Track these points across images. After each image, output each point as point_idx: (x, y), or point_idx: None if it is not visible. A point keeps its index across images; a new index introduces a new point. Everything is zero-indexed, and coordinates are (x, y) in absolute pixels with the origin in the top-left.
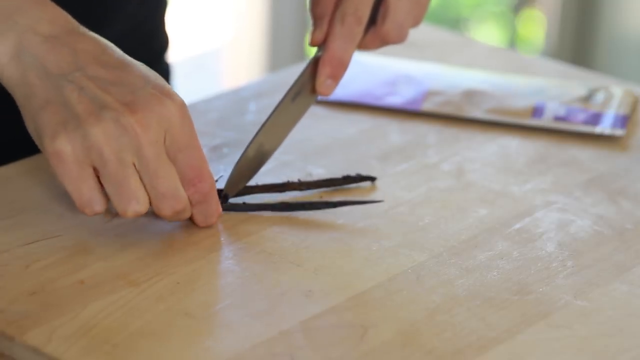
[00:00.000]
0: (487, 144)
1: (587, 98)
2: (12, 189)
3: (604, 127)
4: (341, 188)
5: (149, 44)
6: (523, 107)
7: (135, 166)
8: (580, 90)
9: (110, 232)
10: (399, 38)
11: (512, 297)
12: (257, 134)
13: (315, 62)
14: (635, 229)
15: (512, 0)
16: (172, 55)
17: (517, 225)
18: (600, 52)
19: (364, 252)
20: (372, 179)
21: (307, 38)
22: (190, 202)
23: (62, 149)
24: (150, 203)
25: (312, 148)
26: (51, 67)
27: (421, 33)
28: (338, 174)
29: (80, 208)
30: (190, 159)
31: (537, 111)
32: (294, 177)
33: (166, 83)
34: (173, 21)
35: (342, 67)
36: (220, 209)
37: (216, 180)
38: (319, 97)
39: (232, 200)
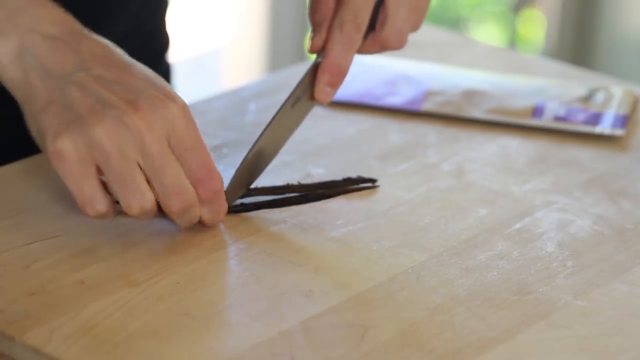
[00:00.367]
0: (487, 144)
1: (587, 98)
2: (12, 189)
3: (604, 127)
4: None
5: (150, 44)
6: (523, 107)
7: (140, 166)
8: (580, 90)
9: (110, 232)
10: (398, 44)
11: (512, 297)
12: (257, 140)
13: (315, 68)
14: (635, 229)
15: (512, 0)
16: (173, 56)
17: (517, 225)
18: (600, 52)
19: (364, 252)
20: (373, 181)
21: (307, 39)
22: (200, 201)
23: (64, 147)
24: (159, 205)
25: (312, 148)
26: (53, 68)
27: (421, 33)
28: (338, 174)
29: (82, 207)
30: (197, 158)
31: (537, 111)
32: (294, 177)
33: (168, 85)
34: (173, 21)
35: (340, 74)
36: (227, 206)
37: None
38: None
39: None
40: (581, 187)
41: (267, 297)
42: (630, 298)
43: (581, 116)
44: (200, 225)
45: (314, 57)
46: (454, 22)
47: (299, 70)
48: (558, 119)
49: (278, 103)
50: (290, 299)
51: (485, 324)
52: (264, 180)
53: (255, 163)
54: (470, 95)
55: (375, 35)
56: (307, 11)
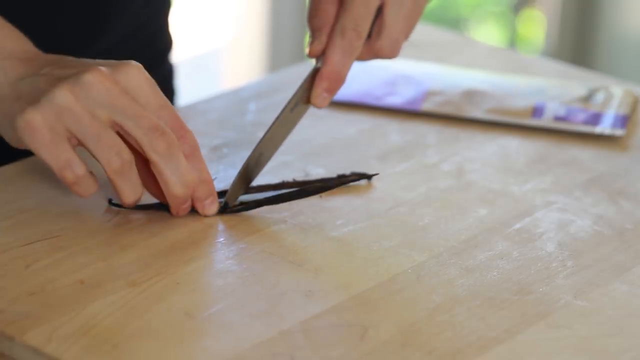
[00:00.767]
0: (487, 144)
1: (587, 98)
2: (12, 189)
3: (604, 127)
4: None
5: (153, 45)
6: (523, 107)
7: (111, 123)
8: (580, 90)
9: (110, 232)
10: (393, 54)
11: (512, 297)
12: (259, 142)
13: (314, 74)
14: (635, 229)
15: (512, 0)
16: (173, 56)
17: (517, 225)
18: (600, 52)
19: (364, 252)
20: (367, 176)
21: (307, 40)
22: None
23: (32, 118)
24: (142, 157)
25: (311, 148)
26: (22, 74)
27: (421, 33)
28: (337, 174)
29: (59, 173)
30: (168, 117)
31: (537, 111)
32: (291, 178)
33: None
34: (173, 22)
35: (339, 81)
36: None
37: (214, 179)
38: None
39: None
40: (581, 187)
41: (267, 297)
42: (630, 298)
43: (581, 116)
44: (197, 215)
45: (313, 67)
46: (454, 22)
47: (299, 70)
48: (558, 119)
49: (278, 103)
50: (290, 299)
51: (485, 324)
52: (263, 180)
53: (255, 165)
54: (470, 95)
55: (371, 44)
56: (306, 16)
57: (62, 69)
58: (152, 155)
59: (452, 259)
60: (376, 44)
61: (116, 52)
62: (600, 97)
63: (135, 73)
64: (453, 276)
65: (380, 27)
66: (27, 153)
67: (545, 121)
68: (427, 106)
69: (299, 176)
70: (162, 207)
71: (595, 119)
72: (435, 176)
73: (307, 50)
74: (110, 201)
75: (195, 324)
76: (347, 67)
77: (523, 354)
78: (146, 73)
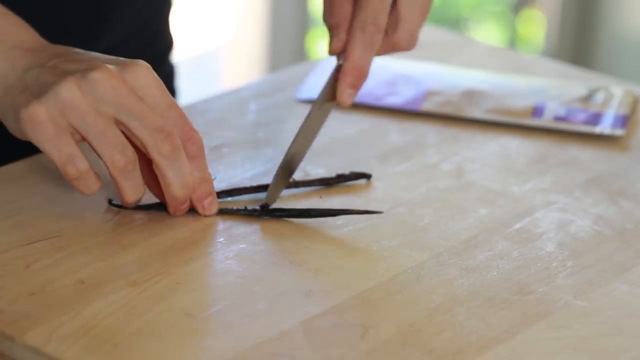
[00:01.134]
0: (487, 144)
1: (587, 98)
2: (12, 189)
3: (604, 127)
4: (339, 186)
5: (153, 44)
6: (523, 107)
7: (116, 121)
8: (580, 90)
9: (110, 232)
10: (410, 45)
11: (512, 297)
12: (291, 145)
13: (337, 71)
14: (635, 229)
15: (512, 0)
16: (174, 56)
17: (517, 225)
18: (600, 52)
19: (364, 252)
20: (366, 176)
21: (307, 38)
22: (188, 157)
23: (36, 111)
24: (147, 156)
25: (312, 148)
26: (29, 65)
27: (421, 33)
28: (336, 174)
29: (62, 168)
30: (176, 117)
31: (537, 111)
32: (293, 177)
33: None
34: (173, 21)
35: (362, 76)
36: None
37: (214, 179)
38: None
39: (230, 205)
40: (581, 187)
41: (267, 297)
42: (630, 298)
43: (581, 116)
44: (197, 214)
45: (315, 57)
46: (454, 22)
47: (299, 70)
48: (558, 119)
49: (278, 103)
50: (290, 299)
51: (485, 324)
52: (264, 180)
53: (290, 164)
54: (470, 95)
55: (387, 38)
56: (322, 15)
57: (69, 63)
58: (156, 157)
59: (452, 259)
60: (393, 37)
61: (117, 51)
62: (600, 97)
63: (143, 72)
64: (453, 276)
65: (396, 20)
66: (27, 153)
67: (545, 121)
68: (427, 106)
69: (299, 176)
70: (162, 207)
71: (595, 119)
72: (435, 176)
73: (327, 48)
74: (110, 201)
75: (195, 324)
76: (369, 62)
77: (523, 354)
78: (154, 73)
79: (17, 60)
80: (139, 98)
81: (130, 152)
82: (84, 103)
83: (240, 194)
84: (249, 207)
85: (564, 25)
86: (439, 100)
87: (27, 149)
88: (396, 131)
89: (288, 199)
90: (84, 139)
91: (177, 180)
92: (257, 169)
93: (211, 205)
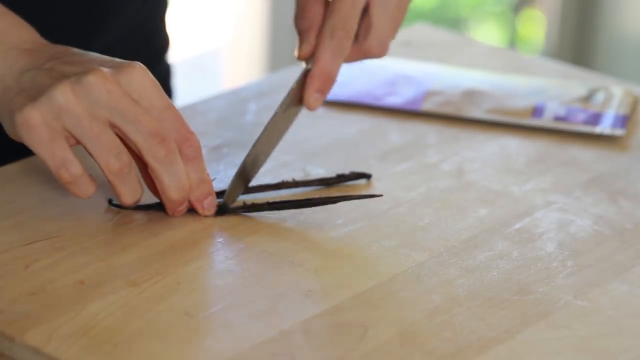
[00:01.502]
0: (487, 144)
1: (587, 98)
2: (12, 189)
3: (604, 127)
4: (339, 187)
5: (149, 45)
6: (523, 107)
7: (111, 125)
8: (580, 90)
9: (110, 232)
10: (381, 53)
11: (512, 297)
12: (254, 144)
13: (304, 75)
14: (635, 229)
15: (512, 0)
16: (172, 56)
17: (517, 225)
18: (600, 52)
19: (364, 252)
20: (366, 176)
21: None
22: (184, 159)
23: (30, 115)
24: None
25: (312, 148)
26: (26, 66)
27: (421, 33)
28: (336, 174)
29: (55, 172)
30: (173, 119)
31: (537, 111)
32: (291, 178)
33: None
34: (173, 21)
35: (330, 81)
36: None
37: (213, 179)
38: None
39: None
40: (581, 187)
41: (267, 297)
42: (630, 298)
43: (581, 116)
44: (196, 215)
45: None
46: (454, 22)
47: (299, 71)
48: (558, 119)
49: (278, 103)
50: (290, 299)
51: (485, 324)
52: (263, 180)
53: (251, 166)
54: (470, 95)
55: (358, 44)
56: (293, 19)
57: (66, 65)
58: (151, 161)
59: (452, 259)
60: (364, 44)
61: (113, 51)
62: (600, 97)
63: (139, 75)
64: (453, 276)
65: (367, 27)
66: (27, 153)
67: (545, 121)
68: (427, 106)
69: (299, 176)
70: (162, 207)
71: (595, 119)
72: (435, 176)
73: (295, 52)
74: (110, 201)
75: (195, 324)
76: (337, 67)
77: (523, 354)
78: (150, 74)
79: (15, 61)
80: (133, 101)
81: (125, 155)
82: (79, 107)
83: (241, 194)
84: (248, 204)
85: (564, 25)
86: (439, 100)
87: (27, 149)
88: (396, 131)
89: (288, 199)
90: (78, 142)
91: (172, 183)
92: None
93: (211, 205)
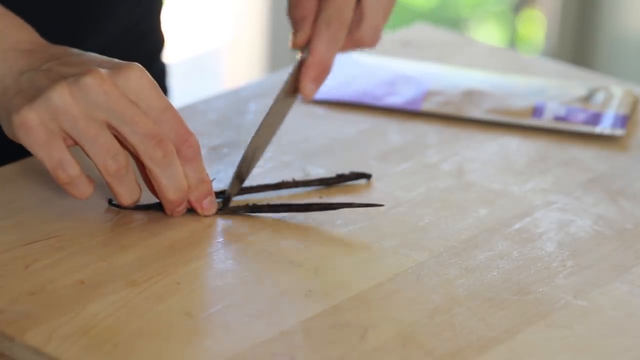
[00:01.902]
0: (487, 144)
1: (587, 98)
2: (12, 189)
3: (604, 127)
4: (339, 187)
5: (144, 44)
6: (523, 107)
7: (108, 126)
8: (580, 90)
9: (110, 232)
10: (374, 42)
11: (512, 297)
12: (253, 137)
13: (299, 65)
14: (635, 229)
15: (512, 0)
16: (172, 56)
17: (517, 225)
18: (600, 52)
19: (364, 252)
20: (366, 176)
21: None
22: (183, 160)
23: (27, 116)
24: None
25: (312, 148)
26: (25, 67)
27: (421, 33)
28: (336, 174)
29: (53, 172)
30: (172, 120)
31: (537, 111)
32: (290, 178)
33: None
34: (173, 21)
35: (326, 70)
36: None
37: (212, 180)
38: (315, 98)
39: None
40: (581, 187)
41: (267, 297)
42: (630, 298)
43: (581, 116)
44: (196, 215)
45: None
46: (454, 22)
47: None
48: (558, 119)
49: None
50: (290, 299)
51: (485, 324)
52: (263, 180)
53: (250, 159)
54: (470, 95)
55: (351, 34)
56: (286, 8)
57: (63, 66)
58: (148, 163)
59: (452, 259)
60: (357, 33)
61: (107, 51)
62: (600, 97)
63: (137, 76)
64: (453, 276)
65: (360, 17)
66: (27, 153)
67: (545, 121)
68: (427, 106)
69: (299, 176)
70: (162, 207)
71: (595, 119)
72: (435, 176)
73: (290, 42)
74: (110, 201)
75: (195, 324)
76: (332, 57)
77: (523, 354)
78: (148, 75)
79: (14, 62)
80: (131, 103)
81: (123, 156)
82: (76, 108)
83: (241, 194)
84: (250, 205)
85: (564, 25)
86: (439, 100)
87: (27, 150)
88: (396, 131)
89: (288, 199)
90: (76, 143)
91: (170, 184)
92: (257, 169)
93: (210, 205)
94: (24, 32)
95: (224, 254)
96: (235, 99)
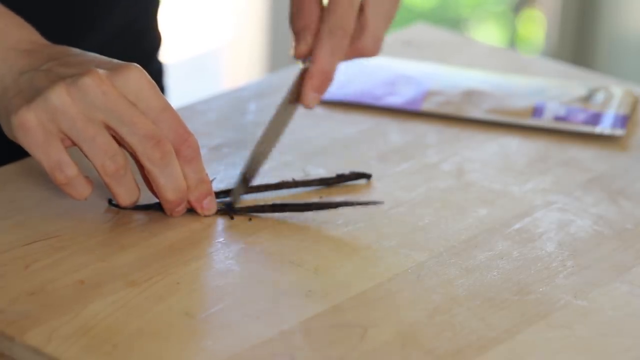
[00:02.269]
0: (487, 144)
1: (587, 98)
2: (12, 189)
3: (604, 127)
4: (339, 187)
5: (141, 43)
6: (523, 107)
7: (106, 127)
8: (580, 90)
9: (110, 232)
10: (375, 51)
11: (512, 297)
12: (257, 143)
13: (302, 74)
14: (635, 229)
15: (512, 0)
16: (172, 56)
17: (517, 225)
18: (600, 52)
19: (364, 252)
20: (366, 176)
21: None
22: (182, 160)
23: (26, 116)
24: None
25: (312, 148)
26: (25, 67)
27: (421, 33)
28: (336, 174)
29: (50, 173)
30: (171, 120)
31: (537, 111)
32: (290, 178)
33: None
34: (173, 21)
35: (328, 80)
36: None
37: (212, 180)
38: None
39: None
40: (581, 187)
41: (267, 297)
42: (630, 298)
43: (581, 116)
44: (196, 215)
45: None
46: (454, 22)
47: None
48: (558, 119)
49: (278, 103)
50: (290, 299)
51: (485, 324)
52: (263, 180)
53: (254, 164)
54: (470, 95)
55: (353, 43)
56: (289, 18)
57: (62, 67)
58: (146, 164)
59: (452, 259)
60: (358, 43)
61: (104, 50)
62: (600, 97)
63: (135, 76)
64: (453, 276)
65: (362, 26)
66: (27, 153)
67: (545, 121)
68: (427, 106)
69: (299, 176)
70: (162, 207)
71: (595, 119)
72: (435, 176)
73: (292, 51)
74: (110, 201)
75: (195, 324)
76: (335, 66)
77: (523, 354)
78: (147, 76)
79: (15, 61)
80: (129, 103)
81: (121, 157)
82: (74, 109)
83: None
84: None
85: (564, 25)
86: (439, 100)
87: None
88: (396, 131)
89: (288, 199)
90: (74, 144)
91: (169, 184)
92: None
93: (210, 205)
94: (24, 31)
95: (224, 254)
96: (235, 99)
